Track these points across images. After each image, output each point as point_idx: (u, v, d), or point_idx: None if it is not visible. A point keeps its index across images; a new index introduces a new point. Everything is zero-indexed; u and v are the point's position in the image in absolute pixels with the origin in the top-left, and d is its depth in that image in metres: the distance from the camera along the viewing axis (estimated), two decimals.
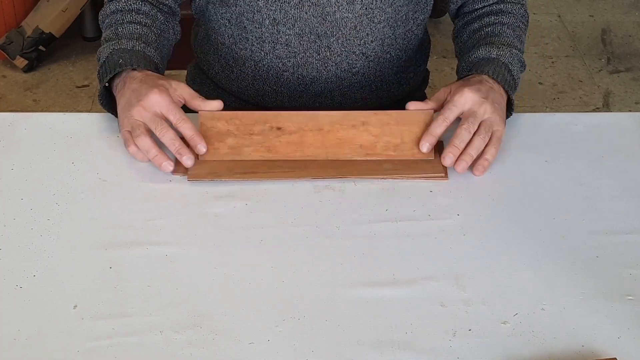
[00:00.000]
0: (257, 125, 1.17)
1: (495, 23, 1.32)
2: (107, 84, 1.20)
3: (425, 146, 1.17)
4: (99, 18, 1.31)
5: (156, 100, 1.14)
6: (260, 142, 1.16)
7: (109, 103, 1.22)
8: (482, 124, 1.17)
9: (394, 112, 1.18)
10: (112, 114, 1.22)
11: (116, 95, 1.19)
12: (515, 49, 1.29)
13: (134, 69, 1.19)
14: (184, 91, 1.18)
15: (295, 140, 1.17)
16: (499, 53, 1.26)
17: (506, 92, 1.23)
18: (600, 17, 3.22)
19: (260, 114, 1.18)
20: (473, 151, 1.15)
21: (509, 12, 1.34)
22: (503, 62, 1.25)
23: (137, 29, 1.25)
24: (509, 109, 1.24)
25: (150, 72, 1.19)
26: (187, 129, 1.15)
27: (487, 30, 1.32)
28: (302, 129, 1.17)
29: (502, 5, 1.35)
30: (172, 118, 1.15)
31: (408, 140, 1.17)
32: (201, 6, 1.37)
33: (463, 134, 1.16)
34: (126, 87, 1.17)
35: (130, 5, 1.27)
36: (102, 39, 1.27)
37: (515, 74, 1.26)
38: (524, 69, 1.30)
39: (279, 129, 1.17)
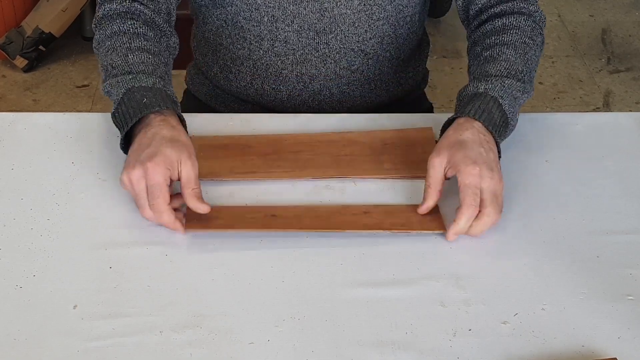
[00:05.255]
0: (250, 214, 1.08)
1: (495, 44, 1.22)
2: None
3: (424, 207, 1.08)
4: (96, 41, 1.21)
5: (156, 177, 1.03)
6: (254, 222, 1.07)
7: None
8: (485, 198, 1.04)
9: (397, 204, 1.11)
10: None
11: (136, 131, 1.10)
12: (511, 78, 1.16)
13: (158, 111, 1.09)
14: (183, 173, 1.05)
15: (292, 222, 1.07)
16: (486, 87, 1.14)
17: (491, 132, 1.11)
18: (601, 17, 3.22)
19: (252, 207, 1.09)
20: (478, 232, 1.05)
21: (514, 28, 1.23)
22: (492, 97, 1.13)
23: (148, 58, 1.15)
24: (504, 135, 1.14)
25: (174, 126, 1.08)
26: (162, 216, 1.04)
27: (485, 54, 1.21)
28: (299, 215, 1.08)
29: (505, 20, 1.24)
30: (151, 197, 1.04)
31: (415, 221, 1.08)
32: (198, 8, 1.37)
33: (469, 213, 1.04)
34: (149, 131, 1.07)
35: (135, 28, 1.18)
36: (106, 64, 1.16)
37: (507, 108, 1.13)
38: (528, 95, 1.19)
39: (273, 216, 1.08)
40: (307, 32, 1.30)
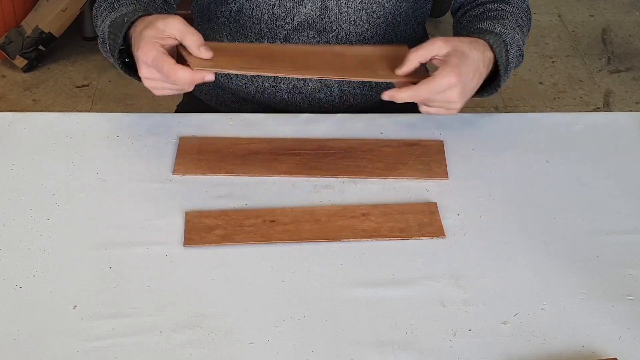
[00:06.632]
0: (249, 220, 1.07)
1: (499, 10, 1.29)
2: (122, 50, 1.16)
3: (402, 69, 1.12)
4: (93, 13, 1.27)
5: (146, 58, 1.08)
6: (253, 231, 1.06)
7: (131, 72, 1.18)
8: (438, 90, 1.11)
9: (396, 205, 1.11)
10: (135, 77, 1.17)
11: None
12: (518, 35, 1.24)
13: (137, 20, 1.13)
14: (173, 29, 1.09)
15: (290, 229, 1.07)
16: (502, 30, 1.21)
17: (495, 66, 1.18)
18: (601, 17, 3.22)
19: (250, 211, 1.09)
20: (411, 95, 1.11)
21: (512, 3, 1.30)
22: (504, 40, 1.19)
23: (133, 2, 1.22)
24: (493, 86, 1.20)
25: (145, 18, 1.13)
26: (179, 78, 1.07)
27: (490, 14, 1.28)
28: (298, 220, 1.08)
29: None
30: (162, 74, 1.08)
31: (414, 224, 1.08)
32: (201, 5, 1.37)
33: (418, 93, 1.11)
34: (134, 47, 1.12)
35: None
36: (99, 22, 1.22)
37: (510, 57, 1.20)
38: (522, 59, 1.26)
39: (272, 221, 1.07)
40: (308, 30, 1.31)
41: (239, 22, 1.32)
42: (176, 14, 1.34)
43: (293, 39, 1.31)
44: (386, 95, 1.11)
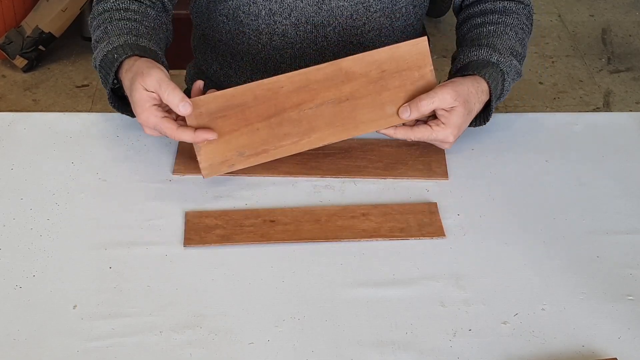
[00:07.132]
0: (249, 220, 1.08)
1: (499, 23, 1.28)
2: (113, 87, 1.17)
3: (406, 113, 1.14)
4: (89, 22, 1.27)
5: (147, 124, 1.10)
6: (253, 231, 1.06)
7: (121, 105, 1.19)
8: (433, 140, 1.16)
9: (396, 205, 1.11)
10: (128, 114, 1.18)
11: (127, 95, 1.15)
12: (515, 58, 1.24)
13: (127, 58, 1.13)
14: (150, 87, 1.09)
15: (290, 229, 1.07)
16: (499, 59, 1.21)
17: (489, 99, 1.19)
18: (601, 17, 3.22)
19: (250, 211, 1.09)
20: (405, 136, 1.15)
21: (514, 12, 1.29)
22: (501, 70, 1.20)
23: (126, 24, 1.20)
24: (485, 117, 1.21)
25: (132, 63, 1.12)
26: (183, 140, 1.10)
27: (490, 28, 1.28)
28: (298, 220, 1.08)
29: (506, 3, 1.31)
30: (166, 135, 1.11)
31: (414, 224, 1.08)
32: (200, 5, 1.37)
33: (412, 136, 1.15)
34: (126, 88, 1.13)
35: (119, 4, 1.23)
36: (93, 41, 1.22)
37: (506, 85, 1.22)
38: (519, 78, 1.27)
39: (272, 221, 1.08)
40: (305, 25, 1.31)
41: (236, 19, 1.33)
42: (176, 14, 1.34)
43: (291, 33, 1.31)
44: (381, 132, 1.15)
